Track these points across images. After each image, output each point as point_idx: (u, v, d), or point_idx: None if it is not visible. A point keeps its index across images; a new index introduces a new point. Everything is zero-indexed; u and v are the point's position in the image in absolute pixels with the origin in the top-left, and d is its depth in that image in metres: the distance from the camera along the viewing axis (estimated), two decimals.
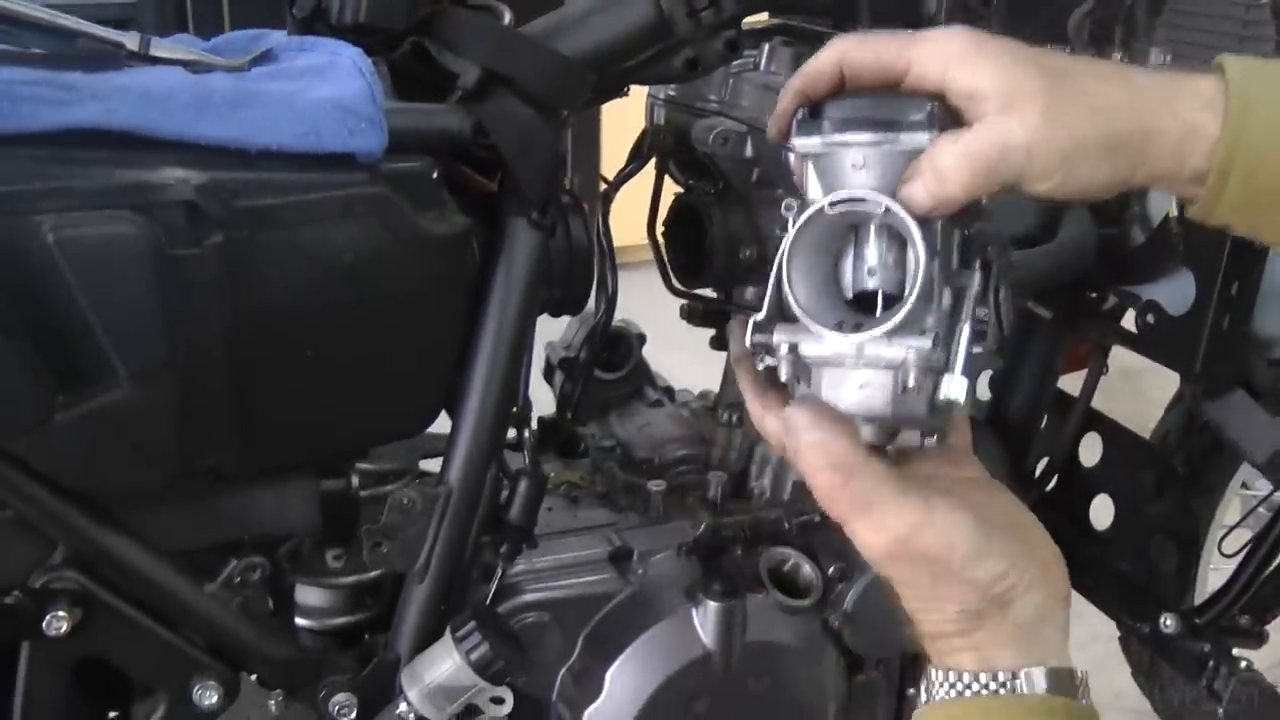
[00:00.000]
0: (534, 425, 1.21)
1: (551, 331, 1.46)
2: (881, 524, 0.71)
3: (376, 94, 1.05)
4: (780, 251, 0.77)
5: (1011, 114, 0.71)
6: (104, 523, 1.04)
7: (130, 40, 1.06)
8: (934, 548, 0.72)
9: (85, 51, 1.03)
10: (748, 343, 0.78)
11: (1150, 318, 1.32)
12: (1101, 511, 1.57)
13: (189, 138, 0.98)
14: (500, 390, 1.16)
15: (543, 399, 1.29)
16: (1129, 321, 1.36)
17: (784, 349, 0.76)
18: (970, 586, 0.73)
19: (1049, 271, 1.27)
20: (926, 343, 0.73)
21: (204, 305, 0.98)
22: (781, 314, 0.78)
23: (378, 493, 1.22)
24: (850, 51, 0.77)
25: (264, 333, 1.01)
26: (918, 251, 0.73)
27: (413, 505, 1.15)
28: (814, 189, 0.78)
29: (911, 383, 0.73)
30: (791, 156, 0.79)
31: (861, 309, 0.78)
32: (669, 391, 1.58)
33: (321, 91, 1.03)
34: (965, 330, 0.74)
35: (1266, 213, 0.74)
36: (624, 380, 1.55)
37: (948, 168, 0.71)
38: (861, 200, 0.74)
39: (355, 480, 1.18)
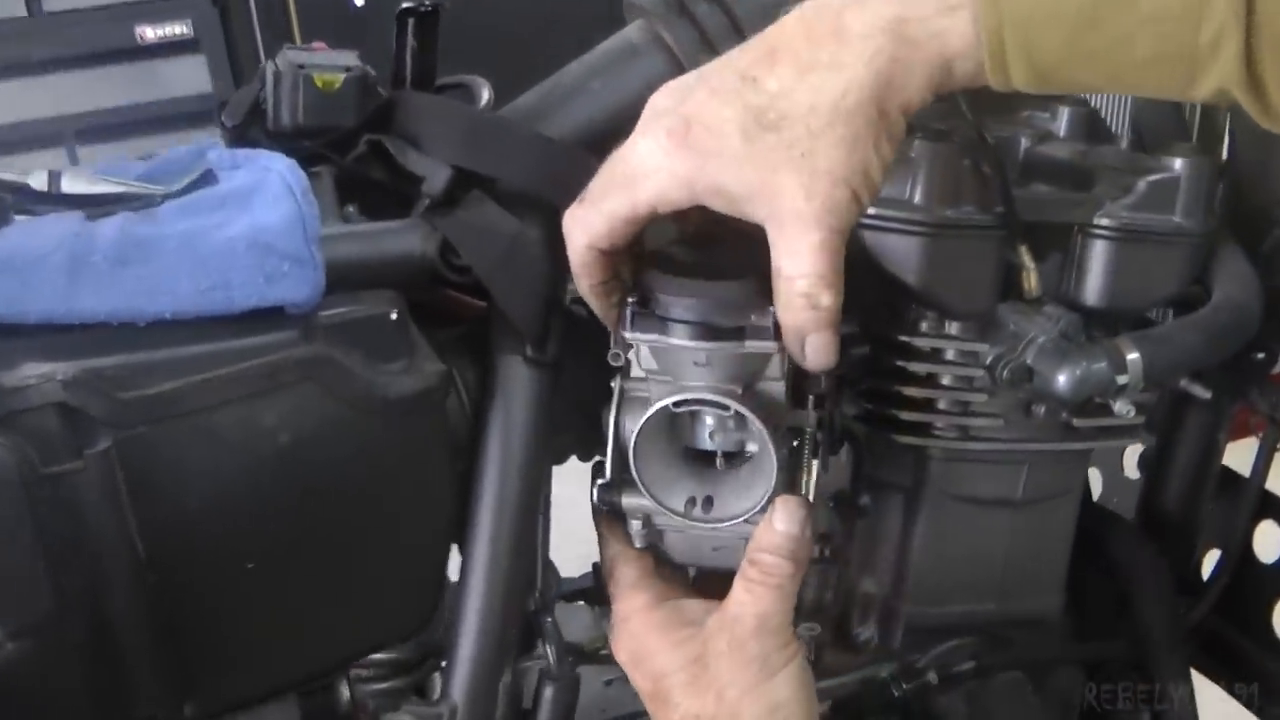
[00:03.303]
0: (554, 612, 0.99)
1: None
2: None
3: (309, 220, 0.84)
4: (612, 414, 0.87)
5: (786, 213, 0.78)
6: None
7: (37, 179, 0.88)
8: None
9: None
10: (596, 500, 0.90)
11: None
12: None
13: (59, 317, 0.78)
14: (507, 570, 0.95)
15: (568, 559, 1.07)
16: None
17: (636, 524, 0.90)
18: None
19: (1205, 347, 1.01)
20: None
21: (98, 530, 0.77)
22: (625, 479, 0.87)
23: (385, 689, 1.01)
24: (593, 231, 0.83)
25: (183, 550, 0.81)
26: (769, 455, 0.84)
27: None
28: (647, 362, 0.85)
29: None
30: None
31: (700, 459, 0.88)
32: None
33: (235, 227, 0.83)
34: (807, 485, 0.88)
35: (1074, 69, 0.75)
36: None
37: (828, 303, 0.80)
38: (711, 404, 0.83)
39: (347, 691, 0.97)
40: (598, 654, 1.14)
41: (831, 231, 0.78)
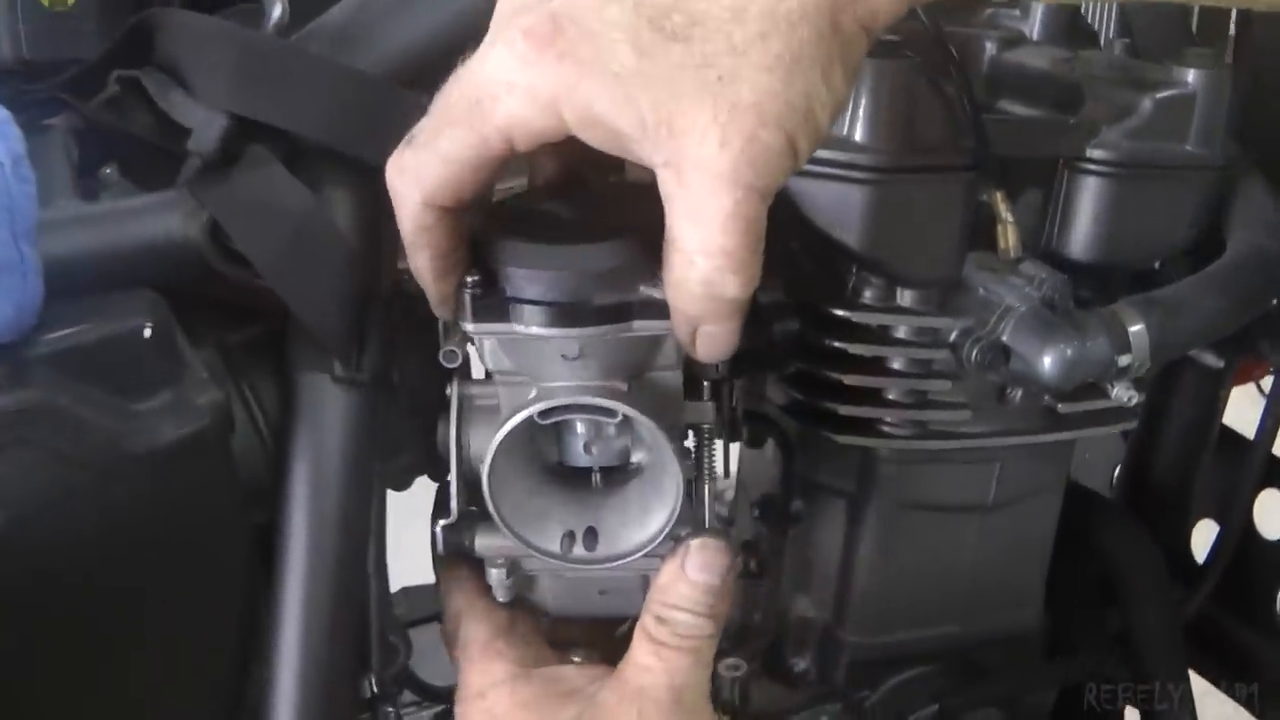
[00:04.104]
0: (398, 700, 0.77)
1: None
2: None
3: (20, 206, 0.61)
4: (451, 430, 0.70)
5: (692, 177, 0.55)
6: None
7: None
8: None
9: None
10: (439, 548, 0.72)
11: None
12: None
13: None
14: (328, 652, 0.72)
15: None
16: None
17: (497, 573, 0.72)
18: None
19: (1228, 313, 0.80)
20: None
21: None
22: (477, 512, 0.71)
23: None
24: (426, 184, 0.60)
25: None
26: (671, 467, 0.67)
27: None
28: (495, 360, 0.67)
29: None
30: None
31: (574, 479, 0.71)
32: None
33: None
34: (709, 501, 0.71)
35: None
36: None
37: (735, 293, 0.58)
38: (593, 409, 0.66)
39: None
40: None
41: (750, 191, 0.55)
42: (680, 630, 0.69)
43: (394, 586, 0.81)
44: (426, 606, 1.07)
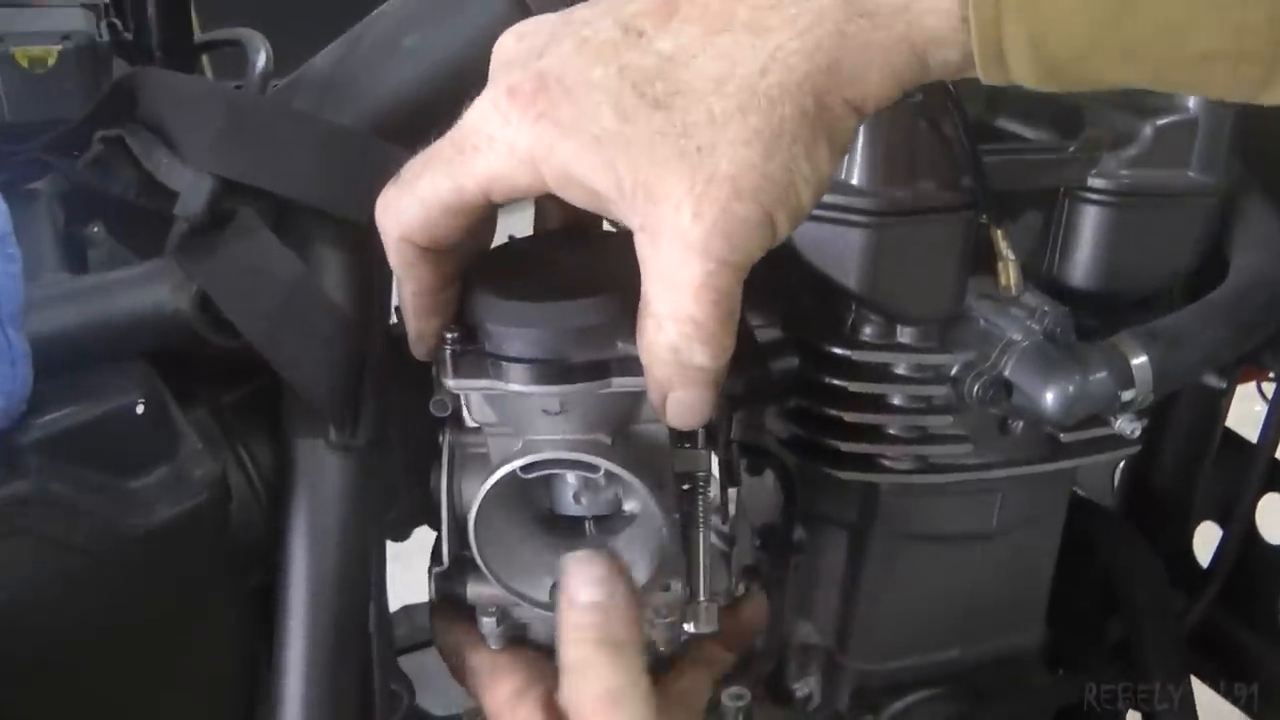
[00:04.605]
0: None
1: None
2: None
3: (7, 288, 0.60)
4: (443, 479, 0.69)
5: (663, 241, 0.54)
6: None
7: None
8: None
9: None
10: (433, 594, 0.72)
11: None
12: None
13: None
14: (332, 708, 0.72)
15: None
16: None
17: (489, 621, 0.72)
18: None
19: (1231, 341, 0.80)
20: (674, 597, 0.70)
21: None
22: (470, 559, 0.69)
23: None
24: (405, 222, 0.61)
25: None
26: (655, 518, 0.66)
27: None
28: (482, 413, 0.67)
29: (659, 635, 0.71)
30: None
31: (565, 528, 0.70)
32: None
33: None
34: (702, 550, 0.70)
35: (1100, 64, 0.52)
36: None
37: (704, 362, 0.57)
38: (573, 464, 0.65)
39: None
40: None
41: (723, 265, 0.54)
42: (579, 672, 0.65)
43: (394, 605, 0.81)
44: (428, 627, 1.07)
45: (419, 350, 0.66)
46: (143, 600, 0.64)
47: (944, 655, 0.93)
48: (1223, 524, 1.10)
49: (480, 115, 0.58)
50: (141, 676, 0.66)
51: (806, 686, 0.95)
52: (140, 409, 0.63)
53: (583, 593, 0.65)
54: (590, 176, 0.55)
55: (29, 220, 0.70)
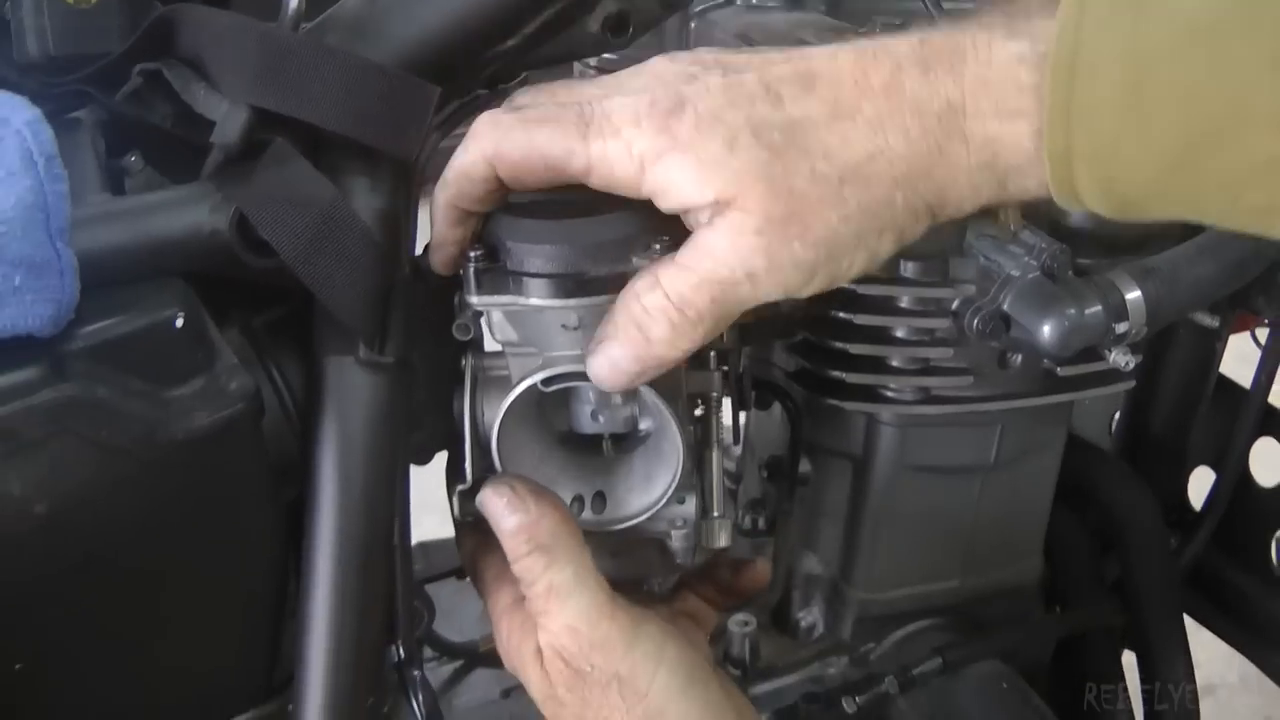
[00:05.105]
0: (422, 663, 0.80)
1: None
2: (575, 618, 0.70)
3: (54, 205, 0.63)
4: (465, 401, 0.73)
5: (721, 230, 0.61)
6: None
7: None
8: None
9: None
10: (456, 513, 0.74)
11: None
12: None
13: None
14: (356, 623, 0.75)
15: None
16: None
17: None
18: None
19: (1223, 279, 0.83)
20: (689, 509, 0.73)
21: None
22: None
23: None
24: (505, 149, 0.65)
25: None
26: (671, 434, 0.69)
27: None
28: (504, 332, 0.70)
29: (676, 546, 0.74)
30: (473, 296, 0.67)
31: (583, 446, 0.74)
32: None
33: None
34: (715, 468, 0.73)
35: (1166, 207, 0.57)
36: None
37: (657, 339, 0.62)
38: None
39: None
40: (493, 654, 0.96)
41: (746, 280, 0.61)
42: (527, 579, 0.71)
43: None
44: (444, 562, 1.10)
45: (438, 258, 0.70)
46: (181, 504, 0.67)
47: (944, 586, 0.97)
48: (1216, 469, 1.13)
49: (619, 108, 0.63)
50: (180, 579, 0.69)
51: (810, 616, 0.98)
52: (179, 323, 0.66)
53: (503, 519, 0.71)
54: (685, 188, 0.61)
55: (72, 147, 0.73)
